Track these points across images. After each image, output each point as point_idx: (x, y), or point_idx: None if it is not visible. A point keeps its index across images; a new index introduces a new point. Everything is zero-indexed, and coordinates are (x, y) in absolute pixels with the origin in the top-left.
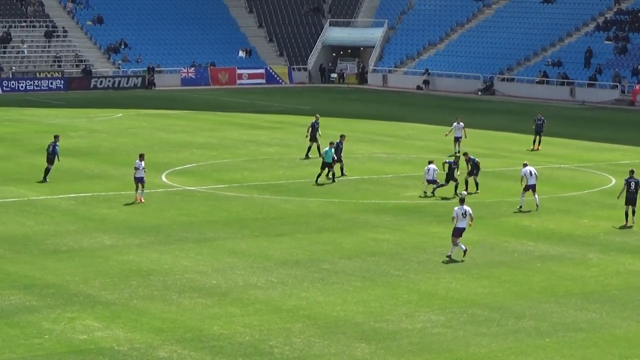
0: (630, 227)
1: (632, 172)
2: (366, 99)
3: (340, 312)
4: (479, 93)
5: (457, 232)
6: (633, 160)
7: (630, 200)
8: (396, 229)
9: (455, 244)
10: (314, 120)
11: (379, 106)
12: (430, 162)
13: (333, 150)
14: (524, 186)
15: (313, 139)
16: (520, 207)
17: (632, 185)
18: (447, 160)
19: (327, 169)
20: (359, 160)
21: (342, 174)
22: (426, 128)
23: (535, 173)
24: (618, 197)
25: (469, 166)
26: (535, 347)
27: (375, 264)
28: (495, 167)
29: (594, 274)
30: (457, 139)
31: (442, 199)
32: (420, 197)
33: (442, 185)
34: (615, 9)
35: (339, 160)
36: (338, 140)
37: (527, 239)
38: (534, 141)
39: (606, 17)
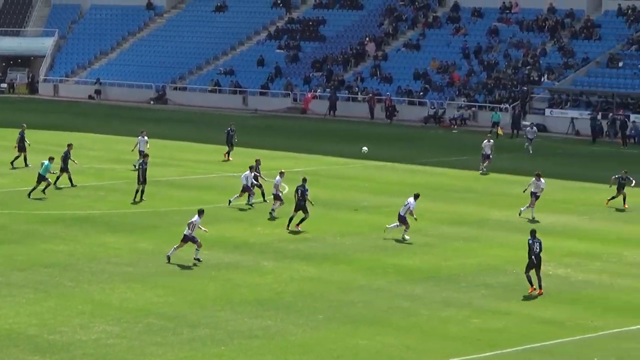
0: (299, 232)
1: (304, 180)
2: (37, 109)
3: (12, 325)
4: (152, 102)
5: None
6: (305, 168)
7: (298, 207)
8: (69, 240)
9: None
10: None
11: (50, 116)
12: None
13: (50, 164)
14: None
15: (21, 149)
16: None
17: (299, 192)
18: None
19: (43, 182)
20: (30, 170)
21: (72, 185)
22: (98, 137)
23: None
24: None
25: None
26: (211, 356)
27: (49, 275)
28: (169, 176)
29: (268, 281)
30: (141, 153)
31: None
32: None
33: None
34: (286, 18)
35: (66, 170)
36: (66, 150)
37: (202, 248)
38: (228, 152)
39: (278, 26)
